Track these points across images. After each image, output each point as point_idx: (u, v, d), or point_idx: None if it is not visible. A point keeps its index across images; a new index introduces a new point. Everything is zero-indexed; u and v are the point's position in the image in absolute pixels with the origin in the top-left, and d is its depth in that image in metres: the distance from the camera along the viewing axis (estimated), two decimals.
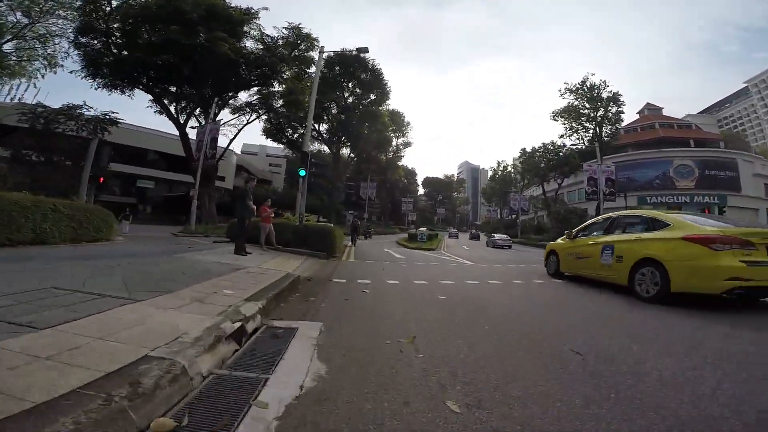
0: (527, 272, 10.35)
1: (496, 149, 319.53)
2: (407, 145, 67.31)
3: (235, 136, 32.26)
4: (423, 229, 36.80)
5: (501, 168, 74.14)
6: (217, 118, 32.35)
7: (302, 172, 13.11)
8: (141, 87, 26.69)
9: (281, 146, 50.57)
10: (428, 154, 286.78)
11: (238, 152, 64.11)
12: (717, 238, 5.03)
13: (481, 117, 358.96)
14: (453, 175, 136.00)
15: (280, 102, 35.09)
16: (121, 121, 25.34)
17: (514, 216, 62.50)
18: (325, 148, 57.80)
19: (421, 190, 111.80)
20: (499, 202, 78.02)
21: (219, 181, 50.30)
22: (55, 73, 26.89)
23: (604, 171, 32.01)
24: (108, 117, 23.93)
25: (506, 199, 72.94)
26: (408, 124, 63.31)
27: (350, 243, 22.09)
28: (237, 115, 33.01)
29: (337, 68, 44.90)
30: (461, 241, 42.90)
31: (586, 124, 41.84)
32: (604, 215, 8.38)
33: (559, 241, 9.31)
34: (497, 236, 37.84)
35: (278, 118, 43.66)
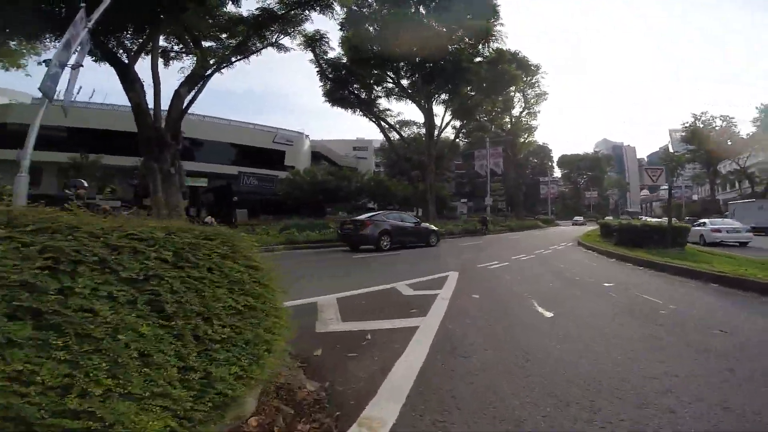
0: None
1: (639, 124, 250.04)
2: (541, 96, 44.94)
3: (206, 82, 16.09)
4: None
5: (701, 121, 44.10)
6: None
7: None
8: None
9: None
10: (555, 131, 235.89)
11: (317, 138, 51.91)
12: None
13: (614, 87, 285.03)
14: (598, 152, 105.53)
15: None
16: None
17: (753, 188, 35.11)
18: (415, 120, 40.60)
19: (557, 173, 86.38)
20: (705, 173, 48.72)
21: (286, 170, 38.23)
22: None
23: None
24: None
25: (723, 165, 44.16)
26: (538, 67, 41.07)
27: None
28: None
29: None
30: None
31: None
32: None
33: None
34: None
35: (322, 59, 28.54)
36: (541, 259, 10.19)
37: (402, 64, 29.04)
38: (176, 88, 17.64)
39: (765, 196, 33.74)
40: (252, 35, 19.01)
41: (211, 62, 18.91)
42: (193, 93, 18.29)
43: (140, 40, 16.82)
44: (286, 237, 14.87)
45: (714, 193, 47.45)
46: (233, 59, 20.27)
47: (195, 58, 18.75)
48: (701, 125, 43.87)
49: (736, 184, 46.09)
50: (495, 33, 28.11)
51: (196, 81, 18.48)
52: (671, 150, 74.45)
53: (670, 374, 2.36)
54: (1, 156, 27.75)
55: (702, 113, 43.82)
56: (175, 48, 20.34)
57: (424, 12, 27.78)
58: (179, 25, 17.36)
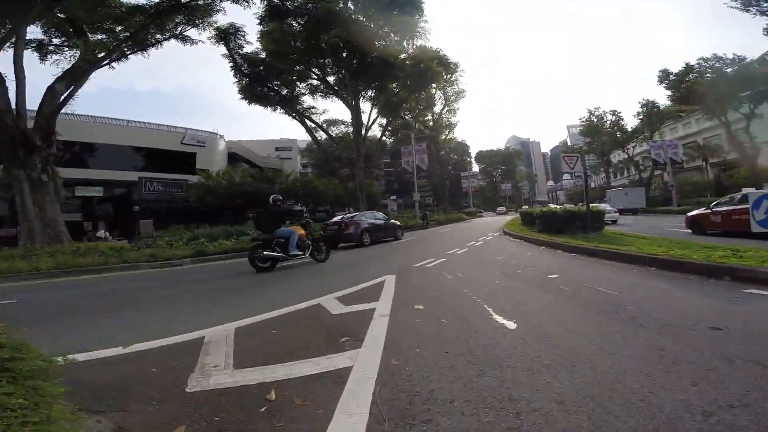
0: None
1: (544, 121, 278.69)
2: (459, 95, 46.72)
3: (86, 78, 13.22)
4: None
5: (595, 116, 49.42)
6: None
7: None
8: None
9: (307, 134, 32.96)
10: (472, 129, 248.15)
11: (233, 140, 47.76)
12: None
13: (523, 86, 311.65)
14: (509, 147, 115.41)
15: None
16: None
17: (640, 174, 40.38)
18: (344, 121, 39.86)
19: (474, 167, 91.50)
20: (600, 163, 54.74)
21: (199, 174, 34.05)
22: None
23: None
24: None
25: (611, 156, 50.28)
26: (457, 65, 42.22)
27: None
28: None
29: None
30: None
31: None
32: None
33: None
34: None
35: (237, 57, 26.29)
36: (475, 252, 9.80)
37: (328, 60, 27.69)
38: (51, 83, 14.47)
39: (650, 182, 39.08)
40: (149, 25, 16.32)
41: (100, 56, 15.88)
42: (70, 89, 15.12)
43: (2, 31, 13.42)
44: (194, 249, 12.69)
45: (609, 180, 53.84)
46: (127, 52, 17.36)
47: (77, 51, 15.62)
48: (595, 120, 49.15)
49: (626, 172, 52.71)
50: (419, 29, 28.24)
51: (77, 76, 15.38)
52: (569, 143, 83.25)
53: (724, 405, 1.63)
54: None
55: (595, 108, 49.15)
56: (55, 40, 16.69)
57: (352, 7, 26.76)
58: (54, 15, 14.28)
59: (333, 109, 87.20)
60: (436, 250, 10.40)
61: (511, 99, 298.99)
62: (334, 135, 39.08)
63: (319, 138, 34.80)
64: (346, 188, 31.20)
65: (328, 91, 30.57)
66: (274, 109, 29.92)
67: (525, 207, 31.81)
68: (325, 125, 36.99)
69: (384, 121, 35.82)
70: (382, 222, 15.57)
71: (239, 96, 28.54)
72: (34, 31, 15.03)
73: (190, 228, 19.92)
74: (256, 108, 30.97)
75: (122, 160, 33.27)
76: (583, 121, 50.71)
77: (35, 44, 16.09)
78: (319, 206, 43.44)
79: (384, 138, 42.31)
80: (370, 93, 30.57)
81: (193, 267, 10.46)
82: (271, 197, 9.01)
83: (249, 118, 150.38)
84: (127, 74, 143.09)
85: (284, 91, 29.69)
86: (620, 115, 47.34)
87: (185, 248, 12.78)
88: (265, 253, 8.15)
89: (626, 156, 47.14)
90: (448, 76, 41.51)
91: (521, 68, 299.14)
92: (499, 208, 62.13)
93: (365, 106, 31.67)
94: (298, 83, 30.01)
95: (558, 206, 19.66)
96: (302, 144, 60.50)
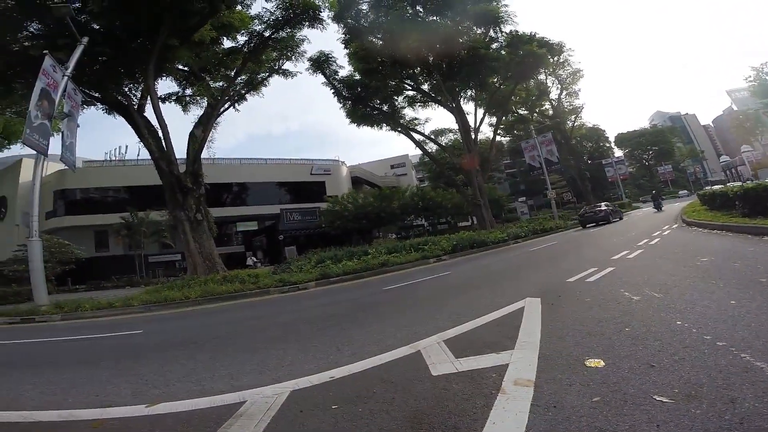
0: None
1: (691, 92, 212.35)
2: (576, 74, 39.95)
3: (218, 114, 15.18)
4: None
5: (765, 72, 36.72)
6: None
7: None
8: None
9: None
10: (604, 111, 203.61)
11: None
12: None
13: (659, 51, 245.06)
14: (656, 124, 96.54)
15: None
16: None
17: None
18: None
19: (617, 153, 77.57)
20: None
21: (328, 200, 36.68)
22: None
23: None
24: None
25: None
26: (561, 45, 35.22)
27: None
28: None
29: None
30: None
31: None
32: None
33: None
34: None
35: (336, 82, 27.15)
36: (657, 253, 6.94)
37: (418, 69, 26.88)
38: (191, 130, 17.17)
39: None
40: (248, 63, 18.12)
41: (222, 99, 18.35)
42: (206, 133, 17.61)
43: (139, 87, 16.59)
44: (319, 271, 12.77)
45: None
46: (243, 92, 19.70)
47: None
48: (766, 77, 36.48)
49: None
50: (502, 15, 25.18)
51: (209, 119, 17.87)
52: (735, 109, 65.70)
53: None
54: (70, 222, 29.50)
55: (762, 65, 36.32)
56: (188, 91, 20.04)
57: (422, 11, 25.58)
58: (175, 68, 17.05)
59: (438, 118, 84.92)
60: (593, 254, 8.01)
61: (646, 70, 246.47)
62: (444, 144, 37.68)
63: (429, 150, 33.86)
64: (465, 196, 29.03)
65: (425, 99, 29.52)
66: (380, 127, 29.97)
67: (707, 188, 24.51)
68: (432, 135, 36.00)
69: (494, 119, 32.76)
70: (613, 208, 23.41)
71: (347, 120, 29.61)
72: (171, 86, 18.09)
73: (322, 251, 20.92)
74: (369, 131, 31.94)
75: (268, 196, 38.12)
76: (751, 82, 38.18)
77: (175, 97, 19.16)
78: (441, 219, 41.86)
79: (498, 138, 38.78)
80: (470, 92, 28.39)
81: (315, 290, 10.33)
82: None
83: (365, 143, 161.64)
84: (264, 121, 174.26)
85: (385, 107, 29.59)
86: None
87: (312, 271, 12.96)
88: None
89: None
90: (555, 58, 35.97)
91: (655, 34, 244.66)
92: (681, 192, 56.50)
93: (468, 107, 29.51)
94: (396, 97, 29.70)
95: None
96: (414, 159, 60.62)
